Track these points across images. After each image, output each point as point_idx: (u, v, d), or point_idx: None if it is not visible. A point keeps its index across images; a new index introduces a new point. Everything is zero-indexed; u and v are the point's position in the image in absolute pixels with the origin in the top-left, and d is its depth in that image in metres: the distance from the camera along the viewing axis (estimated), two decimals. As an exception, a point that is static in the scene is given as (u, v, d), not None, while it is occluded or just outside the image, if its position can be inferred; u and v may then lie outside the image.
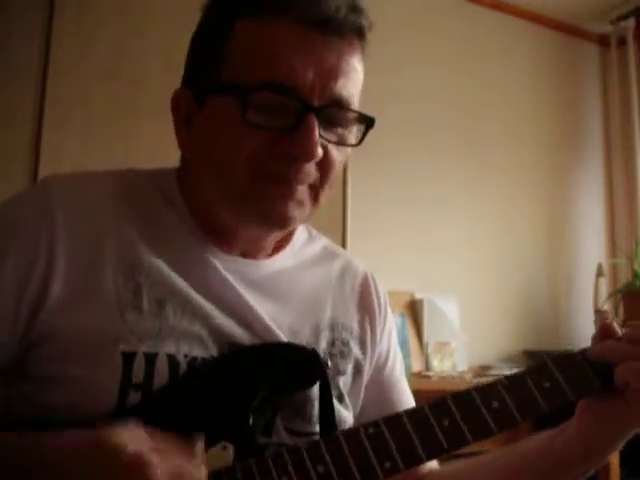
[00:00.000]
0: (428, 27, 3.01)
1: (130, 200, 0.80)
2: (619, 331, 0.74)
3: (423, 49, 2.98)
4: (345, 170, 2.64)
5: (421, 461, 0.65)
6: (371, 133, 0.81)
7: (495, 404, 0.68)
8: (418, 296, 2.72)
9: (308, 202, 0.77)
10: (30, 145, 2.15)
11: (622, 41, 3.43)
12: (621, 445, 0.73)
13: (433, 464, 0.92)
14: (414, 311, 2.71)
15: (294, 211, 0.76)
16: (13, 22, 2.15)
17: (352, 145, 0.79)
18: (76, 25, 2.23)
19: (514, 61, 3.25)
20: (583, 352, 0.73)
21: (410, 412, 0.67)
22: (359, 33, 0.76)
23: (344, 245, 2.59)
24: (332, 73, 0.73)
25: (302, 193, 0.76)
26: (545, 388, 0.69)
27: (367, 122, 0.78)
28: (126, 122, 2.24)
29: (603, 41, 3.56)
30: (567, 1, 3.24)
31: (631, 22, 3.35)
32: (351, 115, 0.77)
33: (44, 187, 0.77)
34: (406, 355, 2.56)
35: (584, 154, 3.45)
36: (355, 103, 0.77)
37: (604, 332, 0.74)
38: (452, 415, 0.66)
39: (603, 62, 3.57)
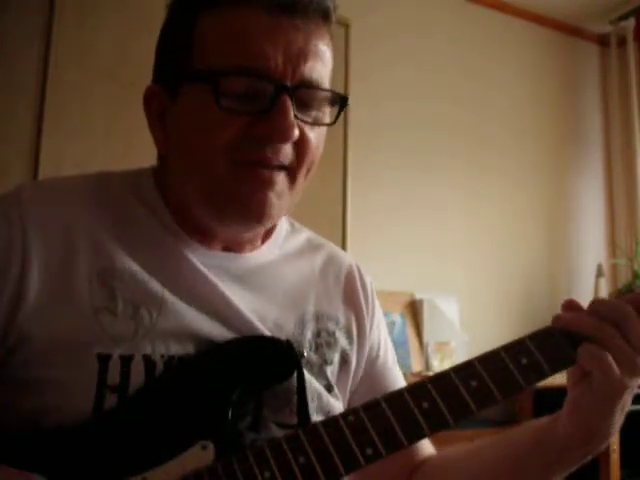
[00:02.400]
0: (428, 27, 3.01)
1: (103, 202, 0.79)
2: (583, 307, 0.74)
3: (423, 49, 2.98)
4: (345, 170, 2.64)
5: (402, 446, 0.65)
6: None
7: (474, 383, 0.68)
8: (418, 296, 2.72)
9: (287, 192, 0.77)
10: (30, 145, 2.16)
11: (622, 41, 3.44)
12: (613, 428, 0.72)
13: (429, 450, 0.92)
14: (414, 311, 2.71)
15: (274, 201, 0.75)
16: (13, 22, 2.15)
17: (327, 124, 0.79)
18: (76, 26, 2.24)
19: (514, 61, 3.26)
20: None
21: (389, 397, 0.67)
22: (325, 15, 0.76)
23: (344, 245, 2.59)
24: (301, 55, 0.73)
25: (281, 184, 0.76)
26: (522, 364, 0.69)
27: (340, 101, 0.78)
28: (126, 122, 2.23)
29: (603, 41, 3.56)
30: (567, 1, 3.24)
31: (631, 22, 3.35)
32: (323, 95, 0.77)
33: (16, 193, 0.77)
34: (406, 355, 2.57)
35: (584, 154, 3.45)
36: (326, 84, 0.77)
37: (568, 308, 0.74)
38: (431, 397, 0.66)
39: (603, 62, 3.58)
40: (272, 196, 0.75)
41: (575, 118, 3.45)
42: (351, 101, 0.79)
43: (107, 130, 2.24)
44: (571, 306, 0.74)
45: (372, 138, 2.69)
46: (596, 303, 0.72)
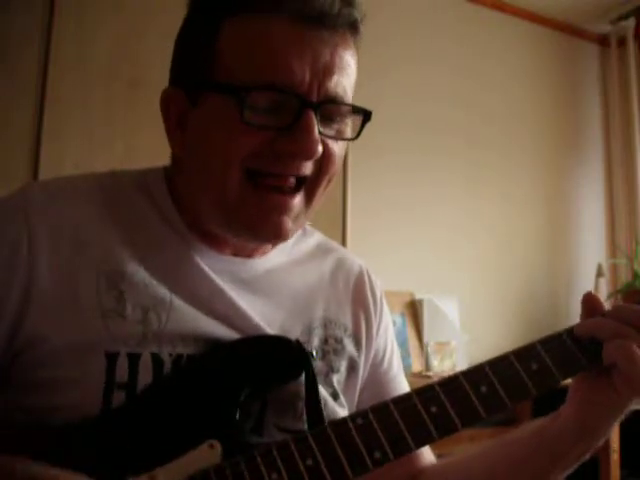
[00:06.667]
0: (428, 26, 3.01)
1: (113, 203, 0.79)
2: (604, 305, 0.73)
3: (423, 48, 2.98)
4: (345, 170, 2.64)
5: (410, 450, 0.65)
6: (371, 132, 0.80)
7: (483, 388, 0.67)
8: (418, 296, 2.72)
9: (303, 211, 0.77)
10: (30, 145, 2.15)
11: (622, 41, 3.44)
12: (613, 426, 0.73)
13: (430, 458, 0.92)
14: (414, 311, 2.71)
15: (289, 225, 0.75)
16: (13, 22, 2.15)
17: (350, 139, 0.78)
18: (76, 25, 2.23)
19: (514, 61, 3.25)
20: (570, 331, 0.72)
21: (398, 400, 0.67)
22: (352, 26, 0.76)
23: (344, 245, 2.59)
24: (327, 70, 0.72)
25: (298, 206, 0.75)
26: (532, 370, 0.69)
27: (363, 114, 0.77)
28: (126, 122, 2.24)
29: (603, 41, 3.56)
30: (567, 1, 3.24)
31: (631, 22, 3.35)
32: (346, 109, 0.76)
33: (22, 193, 0.76)
34: (406, 355, 2.56)
35: (584, 154, 3.45)
36: (349, 97, 0.76)
37: (589, 303, 0.74)
38: (440, 402, 0.66)
39: (603, 62, 3.58)
40: (287, 220, 0.75)
41: (575, 118, 3.45)
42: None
43: (107, 130, 2.24)
44: (590, 302, 0.74)
45: (372, 138, 2.68)
46: (610, 310, 0.72)
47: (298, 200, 0.75)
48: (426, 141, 2.92)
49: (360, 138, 0.79)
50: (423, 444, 0.66)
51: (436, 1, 3.06)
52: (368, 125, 0.78)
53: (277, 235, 0.76)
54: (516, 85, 3.24)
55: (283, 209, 0.74)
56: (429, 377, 2.45)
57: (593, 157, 3.48)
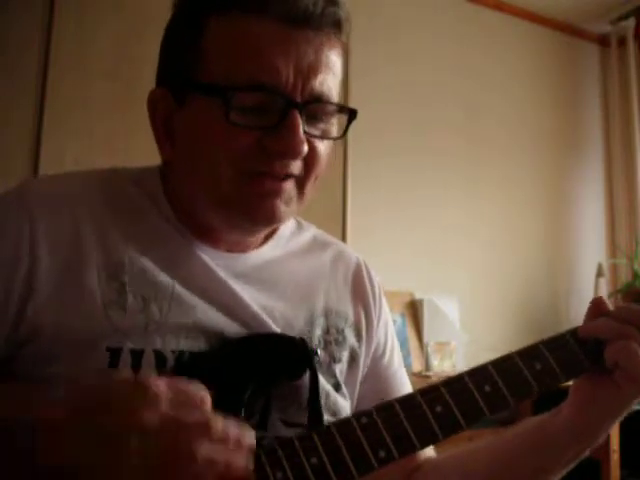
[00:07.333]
0: (428, 26, 3.02)
1: (112, 199, 0.79)
2: (610, 306, 0.74)
3: (423, 48, 2.98)
4: (345, 169, 2.64)
5: (415, 449, 0.65)
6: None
7: (487, 388, 0.68)
8: (418, 296, 2.72)
9: (295, 199, 0.78)
10: (30, 145, 2.16)
11: (622, 41, 3.44)
12: (613, 425, 0.74)
13: (429, 452, 0.92)
14: (414, 311, 2.71)
15: (282, 208, 0.76)
16: (13, 22, 2.15)
17: (335, 138, 0.79)
18: (76, 25, 2.24)
19: (514, 61, 3.26)
20: (573, 332, 0.73)
21: (402, 400, 0.67)
22: (337, 26, 0.76)
23: (344, 245, 2.59)
24: (312, 69, 0.73)
25: (290, 191, 0.76)
26: (536, 369, 0.70)
27: (349, 113, 0.78)
28: (126, 122, 2.24)
29: (603, 41, 3.56)
30: (567, 1, 3.24)
31: (631, 22, 3.36)
32: (332, 108, 0.77)
33: (22, 188, 0.77)
34: (406, 355, 2.57)
35: (584, 154, 3.45)
36: (335, 96, 0.77)
37: (596, 306, 0.74)
38: (445, 401, 0.67)
39: (603, 62, 3.58)
40: (280, 204, 0.75)
41: (575, 118, 3.45)
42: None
43: (107, 130, 2.24)
44: (597, 305, 0.74)
45: (372, 138, 2.69)
46: (612, 311, 0.73)
47: (290, 185, 0.76)
48: (426, 141, 2.92)
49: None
50: (428, 444, 0.66)
51: (436, 1, 3.06)
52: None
53: (271, 218, 0.76)
54: (516, 85, 3.24)
55: (275, 193, 0.75)
56: (429, 377, 2.45)
57: (593, 157, 3.48)
